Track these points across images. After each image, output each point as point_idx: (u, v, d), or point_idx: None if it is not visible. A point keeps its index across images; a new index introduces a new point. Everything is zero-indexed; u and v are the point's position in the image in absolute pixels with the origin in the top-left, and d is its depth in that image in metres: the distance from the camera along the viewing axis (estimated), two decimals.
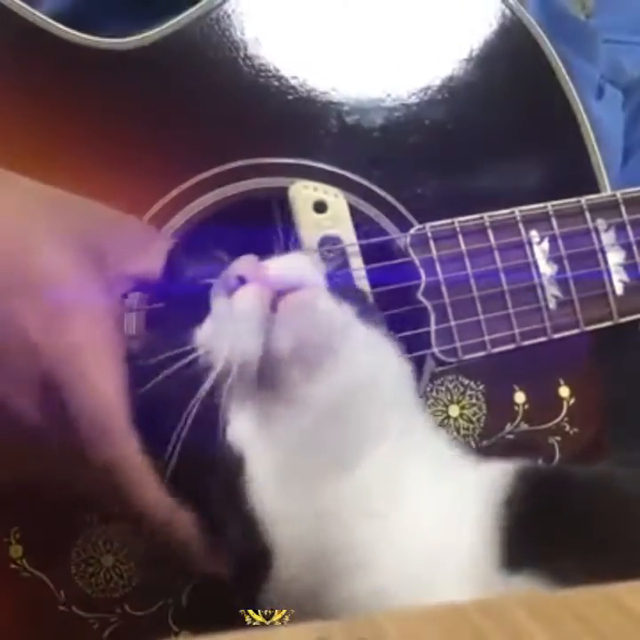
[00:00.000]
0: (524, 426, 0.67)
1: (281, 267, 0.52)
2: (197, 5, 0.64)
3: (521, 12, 0.68)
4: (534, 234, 0.68)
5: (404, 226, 0.66)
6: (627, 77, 0.78)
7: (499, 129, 0.68)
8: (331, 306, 0.52)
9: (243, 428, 0.51)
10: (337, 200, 0.65)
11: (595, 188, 0.69)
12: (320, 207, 0.64)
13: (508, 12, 0.68)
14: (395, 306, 0.64)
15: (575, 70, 0.70)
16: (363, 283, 0.64)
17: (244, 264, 0.53)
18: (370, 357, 0.53)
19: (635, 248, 0.69)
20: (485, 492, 0.52)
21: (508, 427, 0.66)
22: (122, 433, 0.51)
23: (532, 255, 0.67)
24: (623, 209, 0.69)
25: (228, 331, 0.51)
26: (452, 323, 0.66)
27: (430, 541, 0.51)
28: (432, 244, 0.66)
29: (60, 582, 0.60)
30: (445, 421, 0.65)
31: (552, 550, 0.49)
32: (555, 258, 0.68)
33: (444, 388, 0.66)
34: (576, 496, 0.51)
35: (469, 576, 0.50)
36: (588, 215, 0.68)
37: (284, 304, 0.50)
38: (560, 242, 0.68)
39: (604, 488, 0.52)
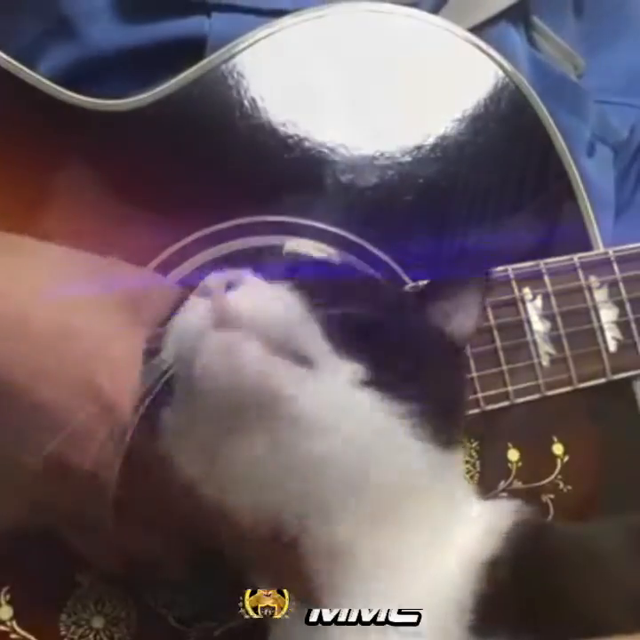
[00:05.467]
0: (518, 483, 0.66)
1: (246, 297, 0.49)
2: (195, 66, 0.65)
3: (513, 73, 0.69)
4: (527, 291, 0.68)
5: (397, 284, 0.66)
6: (616, 136, 0.79)
7: (491, 187, 0.69)
8: (262, 359, 0.48)
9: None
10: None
11: (587, 245, 0.70)
12: None
13: (500, 72, 0.69)
14: None
15: (567, 128, 0.70)
16: None
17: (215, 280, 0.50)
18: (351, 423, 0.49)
19: (627, 305, 0.70)
20: (470, 549, 0.50)
21: (502, 484, 0.66)
22: None
23: (525, 312, 0.67)
24: (616, 266, 0.69)
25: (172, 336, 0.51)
26: None
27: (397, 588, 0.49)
28: None
29: None
30: None
31: (526, 623, 0.47)
32: (548, 315, 0.68)
33: None
34: (559, 565, 0.49)
35: (435, 633, 0.48)
36: (580, 273, 0.69)
37: (208, 339, 0.48)
38: (553, 299, 0.68)
39: (590, 555, 0.50)
